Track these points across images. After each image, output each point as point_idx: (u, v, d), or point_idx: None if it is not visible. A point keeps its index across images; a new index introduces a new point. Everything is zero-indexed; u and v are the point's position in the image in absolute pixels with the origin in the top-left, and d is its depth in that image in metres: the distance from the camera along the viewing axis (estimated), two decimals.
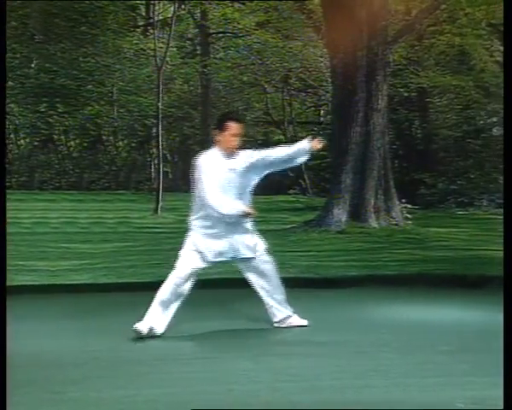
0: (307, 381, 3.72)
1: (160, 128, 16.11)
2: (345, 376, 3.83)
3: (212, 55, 22.06)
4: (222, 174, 4.84)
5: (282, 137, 24.87)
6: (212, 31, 22.16)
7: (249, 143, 28.18)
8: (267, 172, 5.02)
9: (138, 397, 3.46)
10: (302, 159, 5.08)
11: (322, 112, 25.61)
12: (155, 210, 15.05)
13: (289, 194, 19.94)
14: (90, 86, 20.39)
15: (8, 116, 17.95)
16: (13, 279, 7.91)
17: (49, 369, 4.04)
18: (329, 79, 15.26)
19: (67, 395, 3.49)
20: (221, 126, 4.94)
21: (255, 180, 4.98)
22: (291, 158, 5.04)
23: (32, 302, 6.58)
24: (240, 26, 20.15)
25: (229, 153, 4.90)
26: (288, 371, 3.95)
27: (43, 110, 19.74)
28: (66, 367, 4.08)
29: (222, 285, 7.04)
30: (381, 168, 12.30)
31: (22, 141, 21.12)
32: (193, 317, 5.16)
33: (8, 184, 16.68)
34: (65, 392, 3.54)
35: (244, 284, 5.10)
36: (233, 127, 4.91)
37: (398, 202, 12.77)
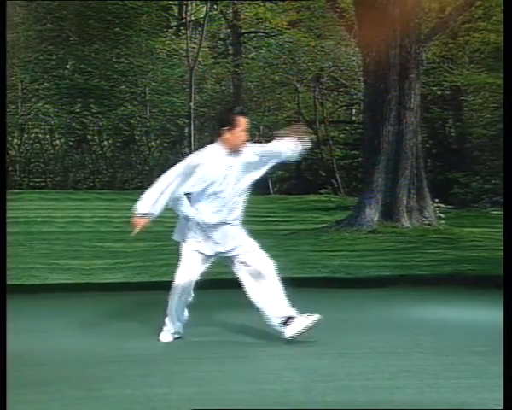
0: (339, 381, 3.72)
1: (192, 128, 16.19)
2: (377, 376, 3.82)
3: (243, 55, 22.11)
4: (218, 172, 4.65)
5: (313, 136, 24.82)
6: (244, 30, 22.20)
7: None
8: (267, 168, 4.87)
9: (171, 395, 3.49)
10: (294, 157, 4.97)
11: (354, 111, 25.47)
12: None
13: (321, 193, 19.89)
14: (123, 87, 20.61)
15: (43, 117, 18.23)
16: (47, 278, 8.06)
17: (83, 366, 4.09)
18: (361, 78, 15.18)
19: (102, 392, 3.53)
20: (231, 122, 4.67)
21: (255, 177, 4.83)
22: (286, 155, 4.91)
23: (65, 301, 6.68)
24: (272, 26, 20.15)
25: (236, 149, 4.68)
26: (320, 371, 3.94)
27: (77, 111, 20.00)
28: (100, 365, 4.13)
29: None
30: (414, 167, 12.20)
31: (58, 141, 21.42)
32: (222, 317, 5.18)
33: (43, 183, 16.96)
34: (100, 389, 3.59)
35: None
36: (243, 122, 4.69)
37: (431, 202, 12.65)
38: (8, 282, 7.87)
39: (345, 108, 26.10)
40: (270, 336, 4.81)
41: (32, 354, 4.43)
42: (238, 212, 4.81)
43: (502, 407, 3.10)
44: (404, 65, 11.98)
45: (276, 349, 4.49)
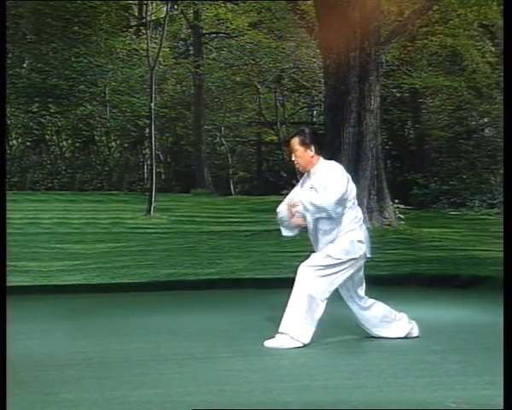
0: (298, 381, 3.73)
1: (152, 128, 16.08)
2: (336, 376, 3.84)
3: (204, 56, 22.06)
4: None
5: (274, 137, 24.89)
6: (204, 31, 22.15)
7: (242, 143, 28.24)
8: None
9: (131, 398, 3.45)
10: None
11: (314, 112, 25.64)
12: (148, 211, 15.03)
13: (282, 194, 19.90)
14: (82, 86, 20.36)
15: None
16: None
17: (40, 370, 4.03)
18: (322, 80, 15.28)
19: (60, 396, 3.47)
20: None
21: None
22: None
23: (23, 303, 6.56)
24: (233, 27, 20.16)
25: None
26: (279, 372, 3.95)
27: (35, 110, 19.69)
28: (58, 368, 4.07)
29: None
30: (374, 169, 12.33)
31: (14, 141, 21.06)
32: (188, 316, 5.15)
33: (11, 183, 16.59)
34: (57, 393, 3.53)
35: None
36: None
37: (390, 203, 12.80)
38: None
39: (306, 109, 26.25)
40: (230, 336, 4.80)
41: None
42: None
43: (502, 408, 3.13)
44: (364, 67, 12.10)
45: (237, 350, 4.48)
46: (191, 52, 23.12)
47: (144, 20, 21.32)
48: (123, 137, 22.61)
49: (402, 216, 13.11)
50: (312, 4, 13.29)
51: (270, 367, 4.06)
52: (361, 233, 4.69)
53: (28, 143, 20.68)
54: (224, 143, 23.71)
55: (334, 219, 4.57)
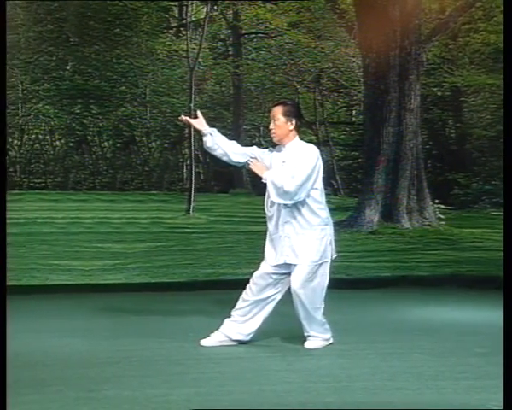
0: (339, 382, 3.71)
1: (192, 129, 16.16)
2: (377, 377, 3.82)
3: (244, 56, 22.11)
4: None
5: (313, 137, 24.80)
6: (244, 31, 22.21)
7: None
8: None
9: (171, 397, 3.48)
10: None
11: (354, 112, 25.46)
12: (187, 210, 15.12)
13: None
14: (123, 88, 20.61)
15: (43, 118, 18.26)
16: (48, 278, 8.06)
17: (82, 368, 4.09)
18: (362, 79, 15.17)
19: (101, 394, 3.53)
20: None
21: None
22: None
23: (65, 302, 6.67)
24: (272, 27, 20.17)
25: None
26: (320, 372, 3.94)
27: (77, 112, 19.99)
28: (99, 366, 4.13)
29: None
30: (414, 168, 12.20)
31: (58, 142, 21.41)
32: (227, 315, 5.18)
33: (43, 184, 16.96)
34: (99, 390, 3.58)
35: None
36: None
37: (431, 203, 12.65)
38: (9, 283, 7.90)
39: (345, 109, 26.07)
40: (269, 336, 4.80)
41: (32, 355, 4.43)
42: None
43: (502, 407, 3.09)
44: (404, 66, 11.98)
45: (276, 350, 4.48)
46: (230, 52, 23.20)
47: (184, 22, 21.49)
48: (163, 138, 22.80)
49: (442, 216, 12.95)
50: (352, 3, 13.22)
51: (309, 368, 4.06)
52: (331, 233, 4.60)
53: (71, 144, 21.03)
54: (263, 142, 23.74)
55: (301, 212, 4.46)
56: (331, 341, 4.57)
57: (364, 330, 5.08)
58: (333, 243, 4.60)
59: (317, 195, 4.58)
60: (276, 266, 4.53)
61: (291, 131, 4.57)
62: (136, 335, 4.99)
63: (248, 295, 4.58)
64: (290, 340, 4.64)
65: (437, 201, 13.32)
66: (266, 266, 4.56)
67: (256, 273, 4.60)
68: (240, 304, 4.61)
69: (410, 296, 6.67)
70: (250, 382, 3.74)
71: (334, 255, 4.61)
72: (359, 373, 3.90)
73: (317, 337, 4.54)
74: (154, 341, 4.75)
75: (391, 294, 6.91)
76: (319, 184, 4.63)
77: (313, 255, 4.46)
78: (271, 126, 4.62)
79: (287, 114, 4.55)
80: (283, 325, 4.82)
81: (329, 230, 4.59)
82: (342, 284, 7.32)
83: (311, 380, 3.75)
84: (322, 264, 4.50)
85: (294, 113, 4.61)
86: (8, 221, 9.50)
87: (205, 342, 4.58)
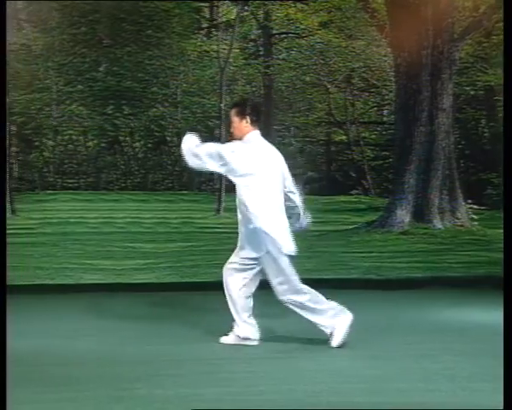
0: (371, 383, 3.69)
1: (222, 129, 16.22)
2: (409, 379, 3.79)
3: (274, 56, 22.12)
4: None
5: (344, 137, 24.70)
6: (274, 31, 22.21)
7: (311, 143, 28.29)
8: None
9: (202, 396, 3.50)
10: None
11: (385, 112, 25.29)
12: (217, 210, 15.18)
13: (352, 194, 19.79)
14: (154, 88, 20.75)
15: (77, 118, 18.48)
16: (81, 278, 8.17)
17: (114, 366, 4.13)
18: (393, 79, 15.07)
19: (133, 392, 3.56)
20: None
21: None
22: None
23: (97, 301, 6.75)
24: (302, 27, 20.14)
25: None
26: (351, 373, 3.93)
27: (109, 112, 20.18)
28: (131, 365, 4.17)
29: None
30: (446, 168, 12.07)
31: (90, 143, 21.66)
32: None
33: (76, 184, 17.17)
34: (131, 389, 3.62)
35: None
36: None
37: (463, 203, 12.50)
38: (43, 282, 8.03)
39: (376, 108, 25.90)
40: (300, 336, 4.80)
41: (63, 354, 4.49)
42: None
43: (502, 408, 3.06)
44: (437, 65, 11.86)
45: (307, 350, 4.48)
46: (261, 53, 23.24)
47: (215, 22, 21.58)
48: None
49: (475, 217, 12.79)
50: (383, 2, 13.13)
51: (340, 368, 4.04)
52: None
53: (103, 145, 21.25)
54: (294, 143, 23.70)
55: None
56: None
57: (396, 332, 5.05)
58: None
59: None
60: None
61: (246, 128, 4.69)
62: (167, 334, 5.03)
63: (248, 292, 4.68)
64: (320, 340, 4.63)
65: (470, 201, 13.16)
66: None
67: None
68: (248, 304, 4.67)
69: (441, 297, 6.61)
70: (281, 382, 3.74)
71: None
72: (391, 374, 3.88)
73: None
74: (184, 341, 4.78)
75: (422, 295, 6.85)
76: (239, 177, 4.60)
77: None
78: (231, 130, 4.80)
79: (240, 114, 4.70)
80: (311, 326, 4.81)
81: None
82: (373, 285, 7.31)
83: (341, 381, 3.74)
84: None
85: (247, 110, 4.74)
86: (42, 221, 9.69)
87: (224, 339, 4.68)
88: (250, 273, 4.63)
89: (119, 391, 3.57)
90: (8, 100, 10.44)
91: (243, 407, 3.28)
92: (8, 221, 9.67)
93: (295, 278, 4.60)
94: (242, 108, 4.77)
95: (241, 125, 4.69)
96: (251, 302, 4.69)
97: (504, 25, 4.40)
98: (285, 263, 4.56)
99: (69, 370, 4.05)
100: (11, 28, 10.36)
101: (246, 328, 4.63)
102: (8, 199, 9.96)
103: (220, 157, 4.58)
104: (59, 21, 16.51)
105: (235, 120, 4.72)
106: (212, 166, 4.65)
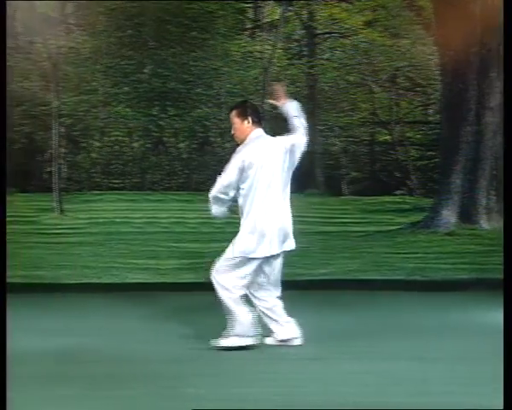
0: (416, 385, 3.66)
1: (265, 130, 16.25)
2: (453, 381, 3.75)
3: (318, 56, 22.06)
4: None
5: (388, 137, 24.47)
6: (318, 31, 22.15)
7: (355, 143, 28.08)
8: None
9: (249, 395, 3.51)
10: None
11: (430, 111, 24.98)
12: None
13: (396, 195, 19.56)
14: (199, 89, 20.89)
15: (122, 120, 18.75)
16: (126, 277, 8.29)
17: (161, 364, 4.18)
18: (439, 77, 14.88)
19: (180, 391, 3.60)
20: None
21: None
22: None
23: (142, 300, 6.84)
24: (347, 26, 20.01)
25: None
26: (396, 375, 3.90)
27: (154, 113, 20.42)
28: (176, 363, 4.21)
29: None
30: (493, 168, 11.86)
31: (136, 143, 21.94)
32: (301, 316, 5.19)
33: (121, 185, 17.40)
34: (177, 387, 3.65)
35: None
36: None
37: None
38: (89, 281, 8.17)
39: (421, 108, 25.56)
40: (345, 337, 4.79)
41: (108, 351, 4.56)
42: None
43: (502, 408, 3.04)
44: (484, 63, 11.67)
45: (353, 351, 4.46)
46: (305, 53, 23.19)
47: (259, 23, 21.62)
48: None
49: None
50: (429, 0, 12.98)
51: (386, 370, 4.02)
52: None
53: (148, 145, 21.49)
54: (337, 143, 23.58)
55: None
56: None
57: (440, 333, 4.99)
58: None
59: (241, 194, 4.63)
60: None
61: (248, 129, 4.68)
62: (210, 333, 5.05)
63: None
64: (362, 344, 4.61)
65: None
66: None
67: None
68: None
69: (487, 299, 6.50)
70: (328, 383, 3.73)
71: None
72: (437, 376, 3.84)
73: None
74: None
75: (468, 296, 6.76)
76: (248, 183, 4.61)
77: None
78: (232, 132, 4.79)
79: (241, 115, 4.70)
80: (351, 328, 4.79)
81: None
82: (418, 286, 7.23)
83: (387, 383, 3.72)
84: None
85: (248, 111, 4.74)
86: (89, 221, 9.86)
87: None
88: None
89: (167, 390, 3.61)
90: (57, 102, 10.67)
91: (290, 408, 3.29)
92: (56, 221, 9.90)
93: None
94: (243, 109, 4.78)
95: (243, 126, 4.71)
96: (281, 304, 4.67)
97: (504, 25, 4.35)
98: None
99: (119, 368, 4.10)
100: (61, 32, 10.61)
101: (285, 329, 4.62)
102: (56, 199, 10.17)
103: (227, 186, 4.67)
104: (106, 25, 16.79)
105: (237, 121, 4.73)
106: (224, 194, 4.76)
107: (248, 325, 4.52)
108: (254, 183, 4.59)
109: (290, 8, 20.73)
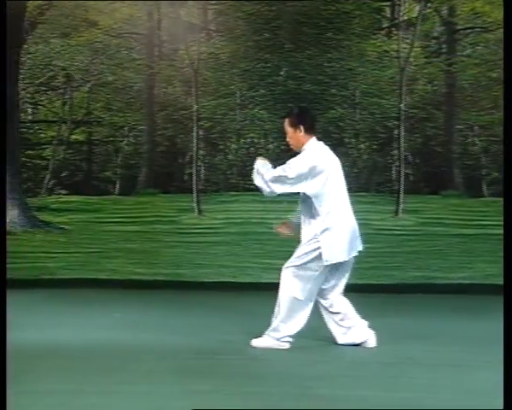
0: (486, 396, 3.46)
1: (401, 130, 15.93)
2: None
3: (458, 53, 21.32)
4: None
5: None
6: (459, 27, 21.41)
7: (497, 142, 26.79)
8: None
9: (383, 399, 3.49)
10: None
11: None
12: (396, 212, 14.91)
13: None
14: (333, 90, 20.86)
15: (258, 122, 19.14)
16: (260, 277, 8.45)
17: (297, 365, 4.23)
18: None
19: (314, 391, 3.63)
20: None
21: None
22: None
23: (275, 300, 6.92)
24: (490, 20, 19.20)
25: None
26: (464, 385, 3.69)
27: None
28: (313, 365, 4.25)
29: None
30: None
31: (270, 145, 22.25)
32: (439, 320, 5.08)
33: (252, 186, 17.68)
34: (311, 387, 3.69)
35: None
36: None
37: None
38: (225, 279, 8.40)
39: None
40: (485, 344, 4.62)
41: (249, 350, 4.66)
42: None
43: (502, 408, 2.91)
44: None
45: (492, 359, 4.29)
46: (443, 50, 22.50)
47: (396, 21, 21.26)
48: (371, 139, 22.69)
49: None
50: None
51: (458, 380, 3.85)
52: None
53: (282, 147, 21.74)
54: (477, 142, 22.66)
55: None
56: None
57: None
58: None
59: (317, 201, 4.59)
60: None
61: (302, 137, 4.62)
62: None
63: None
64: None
65: None
66: None
67: None
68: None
69: None
70: (470, 391, 3.62)
71: None
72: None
73: None
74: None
75: None
76: (315, 188, 4.58)
77: None
78: (287, 139, 4.75)
79: (293, 124, 4.64)
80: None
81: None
82: None
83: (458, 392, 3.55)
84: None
85: (300, 119, 4.66)
86: (226, 221, 10.15)
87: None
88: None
89: (304, 389, 3.66)
90: (197, 106, 11.09)
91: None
92: (194, 221, 10.28)
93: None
94: (294, 117, 4.72)
95: (296, 134, 4.67)
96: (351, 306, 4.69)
97: (504, 24, 4.04)
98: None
99: (230, 365, 4.21)
100: (202, 39, 11.09)
101: (360, 332, 4.61)
102: (195, 200, 10.55)
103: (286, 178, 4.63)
104: (244, 29, 17.24)
105: (290, 130, 4.70)
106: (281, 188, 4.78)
107: (299, 327, 4.61)
108: (329, 188, 4.69)
109: (429, 4, 20.22)
